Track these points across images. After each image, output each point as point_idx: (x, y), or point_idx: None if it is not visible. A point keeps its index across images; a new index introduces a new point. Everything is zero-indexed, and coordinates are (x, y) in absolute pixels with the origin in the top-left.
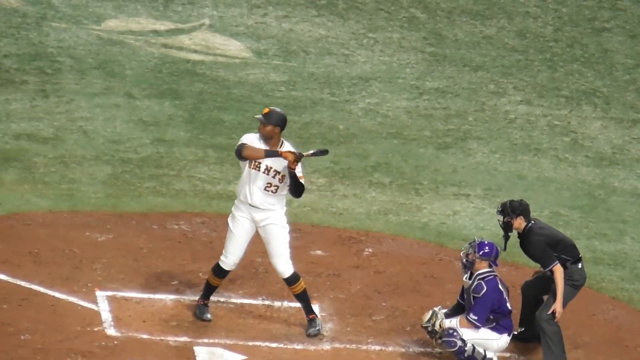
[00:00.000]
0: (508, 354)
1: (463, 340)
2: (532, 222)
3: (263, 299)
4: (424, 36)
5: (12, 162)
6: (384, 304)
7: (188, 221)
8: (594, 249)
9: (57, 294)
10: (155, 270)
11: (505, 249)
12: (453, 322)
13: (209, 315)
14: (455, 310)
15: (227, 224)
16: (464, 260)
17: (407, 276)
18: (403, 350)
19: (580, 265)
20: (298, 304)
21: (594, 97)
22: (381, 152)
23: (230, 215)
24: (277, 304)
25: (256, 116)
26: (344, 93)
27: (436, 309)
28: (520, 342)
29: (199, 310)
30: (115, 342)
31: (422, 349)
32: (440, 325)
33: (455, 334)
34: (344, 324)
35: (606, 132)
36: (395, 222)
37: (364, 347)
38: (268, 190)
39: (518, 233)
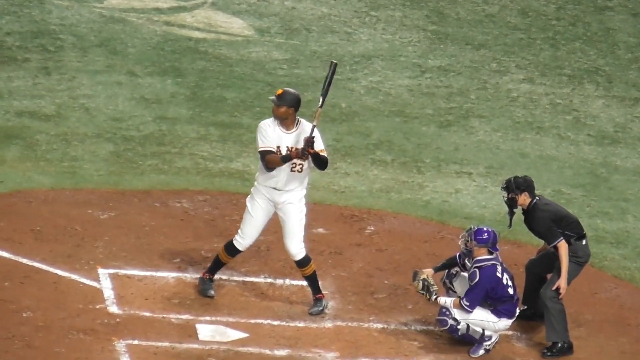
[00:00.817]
0: (510, 332)
1: (455, 320)
2: (537, 198)
3: (265, 277)
4: (426, 14)
5: (14, 140)
6: (385, 282)
7: (190, 199)
8: (596, 228)
9: (59, 272)
10: (158, 248)
11: (510, 225)
12: (448, 302)
13: (212, 292)
14: (446, 266)
15: (229, 202)
16: (463, 249)
17: (409, 254)
18: (405, 328)
19: (584, 242)
20: (300, 282)
21: (597, 75)
22: (383, 130)
23: (250, 196)
24: (279, 281)
25: (270, 97)
26: (346, 71)
27: (417, 270)
28: (524, 321)
29: (203, 285)
30: (118, 320)
31: (424, 327)
32: (427, 280)
33: (447, 312)
34: (346, 302)
35: (608, 110)
36: (397, 200)
37: (366, 325)
38: (294, 171)
39: (522, 209)
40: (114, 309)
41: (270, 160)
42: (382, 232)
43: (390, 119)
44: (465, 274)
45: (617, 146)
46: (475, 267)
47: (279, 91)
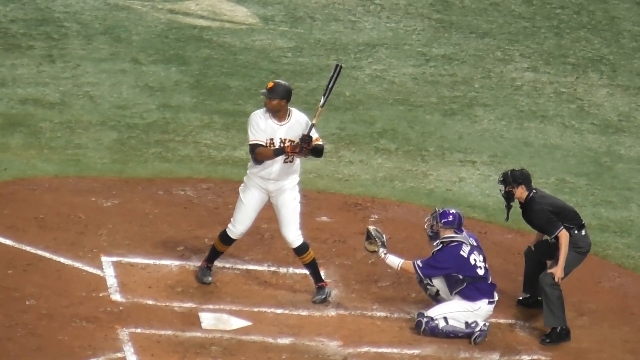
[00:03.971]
0: (513, 321)
1: (430, 318)
2: (534, 191)
3: (269, 265)
4: (431, 2)
5: (18, 127)
6: (389, 270)
7: (194, 187)
8: (599, 216)
9: (62, 260)
10: (161, 236)
11: (507, 218)
12: (396, 261)
13: (210, 279)
14: None
15: (232, 190)
16: (429, 231)
17: (413, 242)
18: (408, 317)
19: (584, 232)
20: (304, 271)
21: (601, 64)
22: (387, 119)
23: (243, 185)
24: (282, 270)
25: (261, 91)
26: (350, 59)
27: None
28: (525, 308)
29: (201, 273)
30: (121, 308)
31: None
32: (374, 231)
33: (421, 314)
34: (349, 290)
35: (612, 99)
36: (401, 189)
37: (369, 314)
38: (287, 162)
39: (520, 203)
40: (117, 297)
41: (260, 153)
42: (385, 220)
43: (395, 108)
44: None
45: (621, 135)
46: (442, 243)
47: (270, 84)
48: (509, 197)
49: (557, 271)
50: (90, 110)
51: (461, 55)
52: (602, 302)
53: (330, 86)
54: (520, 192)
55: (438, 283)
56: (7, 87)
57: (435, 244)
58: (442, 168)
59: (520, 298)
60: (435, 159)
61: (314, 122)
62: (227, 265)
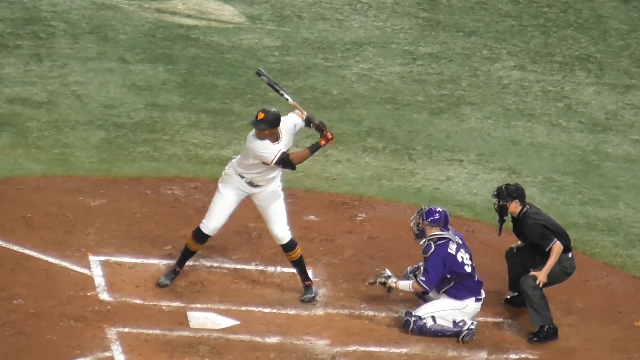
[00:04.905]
0: (501, 319)
1: (418, 317)
2: (527, 207)
3: (256, 264)
4: (418, 1)
5: (6, 127)
6: (377, 269)
7: (181, 186)
8: (587, 215)
9: (50, 259)
10: (149, 235)
11: (500, 233)
12: (407, 285)
13: (168, 282)
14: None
15: None
16: (415, 230)
17: (401, 241)
18: (396, 315)
19: (570, 255)
20: (291, 270)
21: (588, 62)
22: (375, 117)
23: (222, 180)
24: (270, 269)
25: (252, 122)
26: (337, 58)
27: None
28: (513, 307)
29: (166, 274)
30: (108, 307)
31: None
32: (381, 275)
33: (409, 313)
34: (337, 289)
35: (600, 97)
36: (389, 188)
37: (357, 313)
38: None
39: (512, 217)
40: (104, 296)
41: (296, 158)
42: (373, 219)
43: (382, 106)
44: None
45: (609, 133)
46: (430, 240)
47: (260, 115)
48: (502, 211)
49: (541, 275)
50: (77, 109)
51: (448, 54)
52: (590, 300)
53: (276, 87)
54: (514, 207)
55: None
56: None
57: (422, 242)
58: (429, 167)
59: (507, 297)
60: (422, 158)
61: (305, 114)
62: (215, 265)
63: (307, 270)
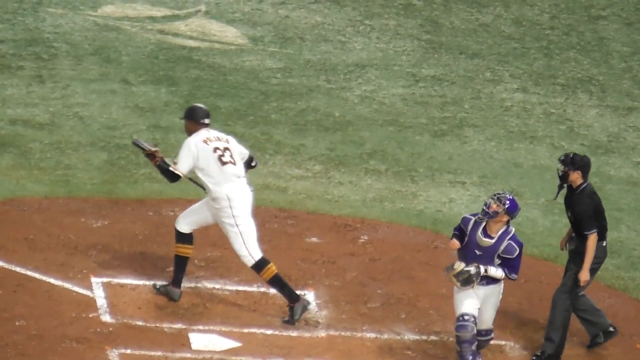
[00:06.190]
0: (503, 342)
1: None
2: (588, 183)
3: (258, 286)
4: (420, 23)
5: (8, 148)
6: (379, 291)
7: (183, 207)
8: None
9: (52, 280)
10: (151, 257)
11: (556, 198)
12: (499, 272)
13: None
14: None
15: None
16: (489, 210)
17: (403, 264)
18: (398, 337)
19: (604, 243)
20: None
21: (590, 85)
22: (377, 140)
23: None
24: (272, 291)
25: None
26: (340, 80)
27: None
28: (516, 330)
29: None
30: (110, 329)
31: (417, 337)
32: (463, 271)
33: (468, 318)
34: (339, 311)
35: (602, 120)
36: (391, 210)
37: (359, 335)
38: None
39: (569, 187)
40: (106, 317)
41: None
42: (375, 241)
43: (384, 128)
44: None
45: (611, 156)
46: (509, 240)
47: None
48: (563, 178)
49: (583, 274)
50: (80, 130)
51: (451, 76)
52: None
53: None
54: (576, 177)
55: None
56: None
57: (493, 240)
58: (431, 189)
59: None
60: (425, 180)
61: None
62: (217, 286)
63: (308, 292)
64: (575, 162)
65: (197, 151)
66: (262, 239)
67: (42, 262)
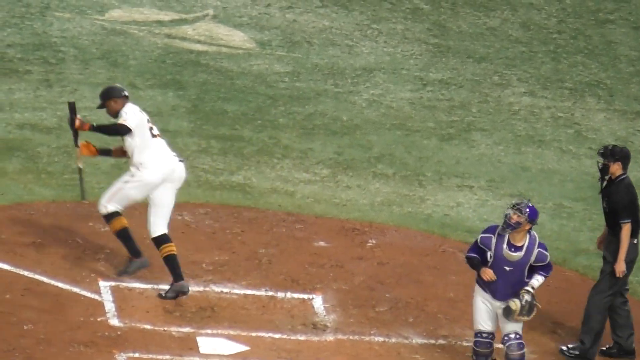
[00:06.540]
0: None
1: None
2: (627, 175)
3: (266, 290)
4: (428, 27)
5: (16, 152)
6: (387, 295)
7: (191, 212)
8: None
9: (60, 284)
10: (159, 261)
11: (601, 192)
12: (540, 283)
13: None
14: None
15: (230, 215)
16: (510, 222)
17: (411, 267)
18: (406, 341)
19: (635, 241)
20: (302, 295)
21: (598, 88)
22: (385, 143)
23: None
24: (280, 294)
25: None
26: (347, 84)
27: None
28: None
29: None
30: (118, 332)
31: (425, 341)
32: (526, 302)
33: (518, 336)
34: (347, 315)
35: (610, 124)
36: (399, 214)
37: (367, 339)
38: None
39: (608, 179)
40: (115, 321)
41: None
42: (383, 245)
43: (392, 132)
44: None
45: None
46: (539, 249)
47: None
48: (604, 170)
49: (619, 265)
50: (87, 135)
51: (458, 80)
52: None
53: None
54: (616, 169)
55: None
56: (4, 111)
57: (521, 252)
58: (439, 193)
59: (604, 348)
60: (432, 184)
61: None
62: (225, 290)
63: (316, 296)
64: (615, 154)
65: (137, 115)
66: (270, 243)
67: (50, 266)
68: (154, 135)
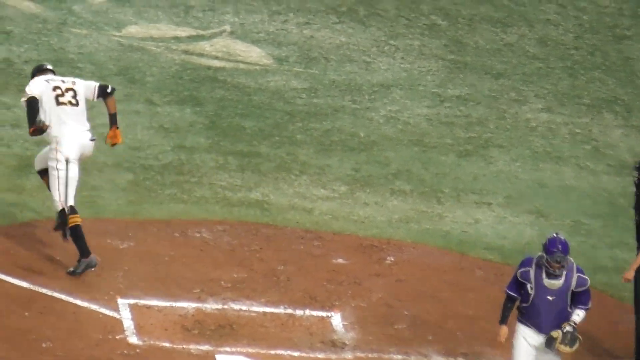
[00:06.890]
0: None
1: None
2: None
3: (285, 307)
4: (445, 43)
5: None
6: (405, 312)
7: (209, 229)
8: (615, 258)
9: (78, 302)
10: (177, 278)
11: (635, 206)
12: (582, 317)
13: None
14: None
15: (248, 232)
16: (556, 272)
17: (429, 284)
18: (425, 359)
19: None
20: (321, 313)
21: (615, 105)
22: (402, 160)
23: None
24: (299, 312)
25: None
26: (365, 100)
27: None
28: None
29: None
30: (137, 350)
31: (444, 359)
32: (567, 334)
33: None
34: (366, 332)
35: (627, 140)
36: (417, 230)
37: (386, 356)
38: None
39: None
40: (133, 339)
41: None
42: (401, 262)
43: (409, 149)
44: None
45: None
46: (578, 274)
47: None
48: (639, 184)
49: (629, 272)
50: (105, 151)
51: (476, 96)
52: (619, 344)
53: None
54: None
55: None
56: (21, 128)
57: (562, 280)
58: (457, 209)
59: None
60: (450, 201)
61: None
62: (244, 308)
63: (334, 314)
64: None
65: (40, 84)
66: (289, 261)
67: (68, 283)
68: (59, 103)
